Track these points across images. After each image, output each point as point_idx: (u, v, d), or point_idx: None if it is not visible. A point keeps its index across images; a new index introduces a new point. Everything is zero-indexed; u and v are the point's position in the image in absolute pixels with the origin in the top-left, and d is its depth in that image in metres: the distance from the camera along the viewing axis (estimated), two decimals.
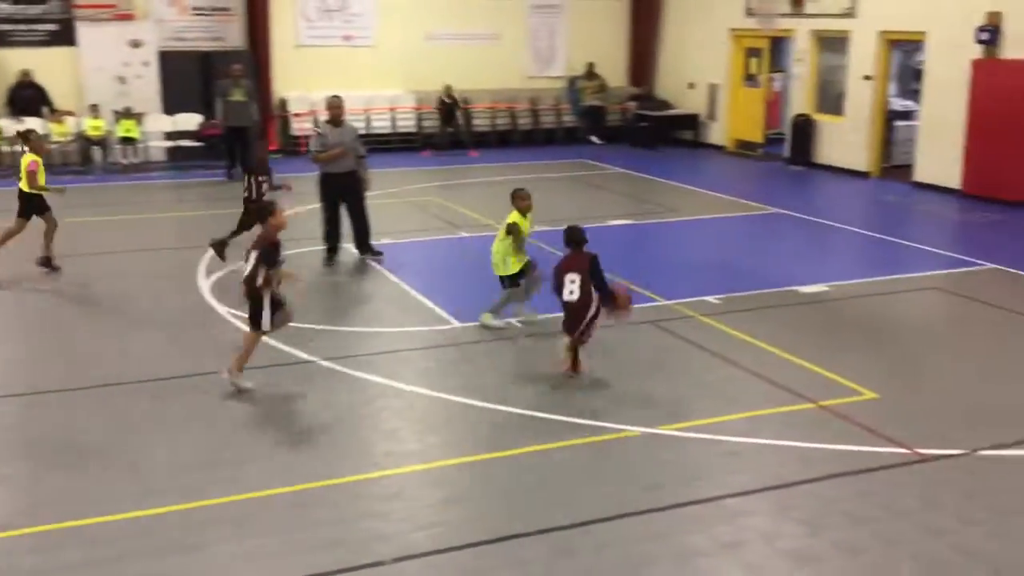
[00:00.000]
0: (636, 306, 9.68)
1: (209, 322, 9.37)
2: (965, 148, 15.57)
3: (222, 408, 7.31)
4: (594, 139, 21.73)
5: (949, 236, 13.66)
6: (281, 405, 7.45)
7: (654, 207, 15.19)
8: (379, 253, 11.68)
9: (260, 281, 7.37)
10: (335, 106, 11.54)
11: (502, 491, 6.09)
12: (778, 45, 20.79)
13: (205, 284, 10.58)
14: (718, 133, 21.44)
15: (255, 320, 7.57)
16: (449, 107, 20.42)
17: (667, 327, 9.15)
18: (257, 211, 8.23)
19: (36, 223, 10.96)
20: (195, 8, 19.67)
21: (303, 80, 20.44)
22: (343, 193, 11.50)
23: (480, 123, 21.63)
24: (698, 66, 21.75)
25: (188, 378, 7.87)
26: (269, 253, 7.43)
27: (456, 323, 9.36)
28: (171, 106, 18.87)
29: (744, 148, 20.87)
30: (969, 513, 5.78)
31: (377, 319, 9.74)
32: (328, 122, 11.65)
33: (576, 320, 7.72)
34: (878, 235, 13.28)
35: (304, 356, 8.36)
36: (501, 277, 9.11)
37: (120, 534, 5.54)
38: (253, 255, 7.46)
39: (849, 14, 17.47)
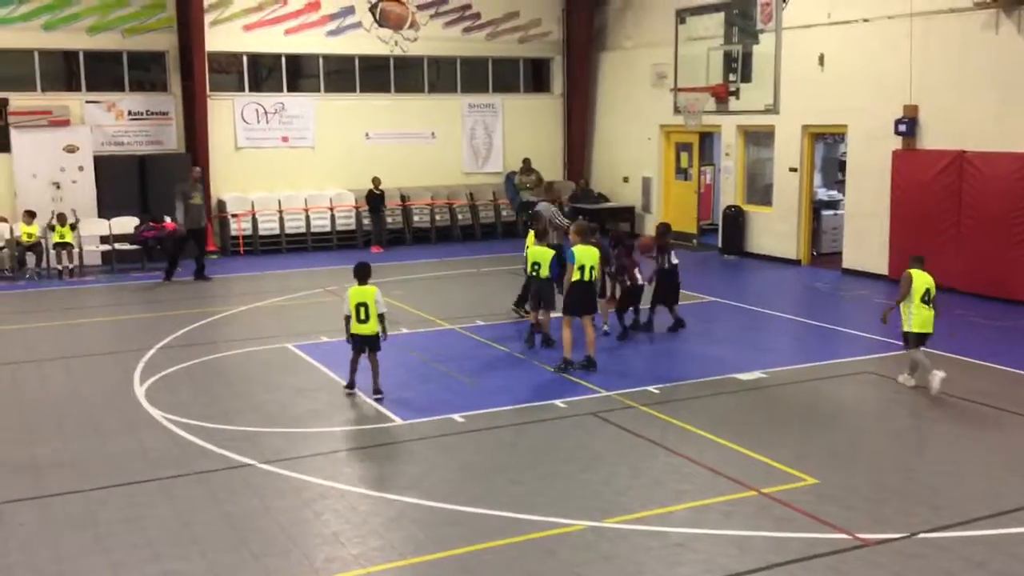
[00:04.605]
0: (577, 398, 9.84)
1: (141, 427, 9.17)
2: (890, 235, 16.11)
3: (145, 514, 7.12)
4: None
5: (878, 321, 13.96)
6: (217, 510, 7.26)
7: None
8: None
9: None
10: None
11: None
12: (707, 140, 21.49)
13: (140, 390, 10.40)
14: (653, 225, 21.85)
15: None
16: (377, 198, 20.64)
17: (608, 418, 9.18)
18: None
19: None
20: (132, 113, 19.77)
21: (241, 181, 20.59)
22: None
23: (420, 219, 21.86)
24: (631, 160, 22.37)
25: (120, 487, 7.68)
26: None
27: (399, 420, 9.29)
28: (107, 210, 18.76)
29: (679, 239, 21.28)
30: None
31: (318, 418, 9.61)
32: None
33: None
34: (811, 321, 13.59)
35: (241, 459, 8.21)
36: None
37: None
38: None
39: (771, 110, 18.16)
